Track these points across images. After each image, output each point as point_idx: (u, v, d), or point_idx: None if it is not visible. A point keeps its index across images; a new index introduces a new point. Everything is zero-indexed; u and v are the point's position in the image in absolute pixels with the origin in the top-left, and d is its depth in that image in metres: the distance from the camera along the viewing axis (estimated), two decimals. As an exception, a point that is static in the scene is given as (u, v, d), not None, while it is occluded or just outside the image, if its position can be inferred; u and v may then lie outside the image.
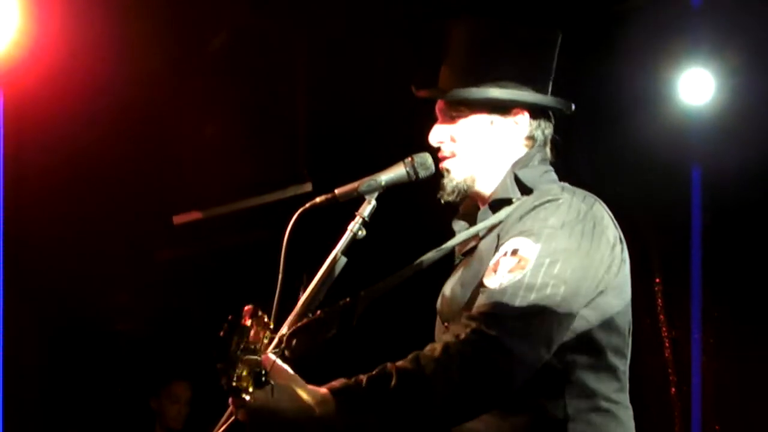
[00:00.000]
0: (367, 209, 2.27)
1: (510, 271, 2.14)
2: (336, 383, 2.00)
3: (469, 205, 2.50)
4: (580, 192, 2.32)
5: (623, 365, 2.31)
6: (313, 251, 2.39)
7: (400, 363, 2.02)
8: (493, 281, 2.15)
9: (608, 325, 2.25)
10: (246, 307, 1.92)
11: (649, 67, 4.83)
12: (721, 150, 4.78)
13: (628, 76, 4.76)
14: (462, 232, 2.43)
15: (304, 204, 2.28)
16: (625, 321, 2.31)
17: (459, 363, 2.01)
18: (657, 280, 5.21)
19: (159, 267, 5.70)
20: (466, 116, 2.41)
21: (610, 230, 2.28)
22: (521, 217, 2.25)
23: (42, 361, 5.41)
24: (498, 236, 2.29)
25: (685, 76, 4.84)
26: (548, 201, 2.25)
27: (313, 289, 2.16)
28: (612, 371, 2.27)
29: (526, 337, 2.07)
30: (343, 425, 1.94)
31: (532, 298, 2.10)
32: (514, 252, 2.17)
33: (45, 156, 4.92)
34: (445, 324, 2.40)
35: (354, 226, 2.25)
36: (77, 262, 5.31)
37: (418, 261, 2.36)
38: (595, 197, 2.33)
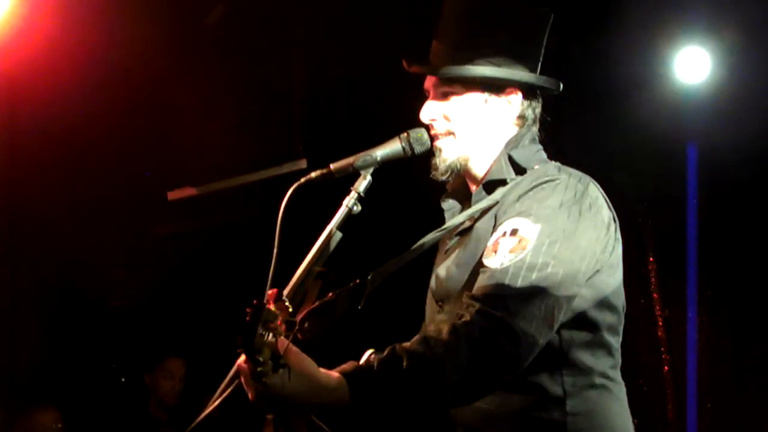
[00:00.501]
0: (362, 184, 2.26)
1: (511, 251, 2.14)
2: (347, 366, 2.00)
3: (457, 182, 2.50)
4: (576, 172, 2.33)
5: (617, 342, 2.33)
6: (309, 226, 2.39)
7: (409, 345, 2.02)
8: (494, 261, 2.16)
9: (603, 303, 2.27)
10: (269, 291, 1.91)
11: (646, 46, 4.82)
12: (717, 128, 4.78)
13: (624, 54, 4.76)
14: (461, 213, 2.42)
15: (299, 180, 2.27)
16: (619, 300, 2.33)
17: (467, 345, 2.01)
18: (651, 259, 5.22)
19: (154, 243, 5.69)
20: (459, 94, 2.40)
21: (605, 210, 2.30)
22: (519, 197, 2.26)
23: (37, 337, 5.41)
24: (495, 216, 2.29)
25: (681, 54, 4.84)
26: (546, 181, 2.26)
27: (307, 264, 2.16)
28: (606, 348, 2.29)
29: (530, 318, 2.09)
30: (356, 408, 1.95)
31: (534, 277, 2.11)
32: (514, 232, 2.17)
33: (39, 132, 4.90)
34: (439, 303, 2.40)
35: (349, 201, 2.23)
36: (72, 238, 5.29)
37: (421, 242, 2.35)
38: (590, 178, 2.34)
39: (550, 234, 2.16)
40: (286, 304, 1.85)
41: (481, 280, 2.15)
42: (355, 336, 2.38)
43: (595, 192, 2.30)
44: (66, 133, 4.97)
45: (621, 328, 2.35)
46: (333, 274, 2.21)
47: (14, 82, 4.72)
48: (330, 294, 2.22)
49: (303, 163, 5.06)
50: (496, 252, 2.17)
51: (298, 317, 2.09)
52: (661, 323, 5.20)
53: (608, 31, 4.64)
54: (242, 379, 1.93)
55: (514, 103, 2.42)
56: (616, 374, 2.33)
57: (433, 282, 2.45)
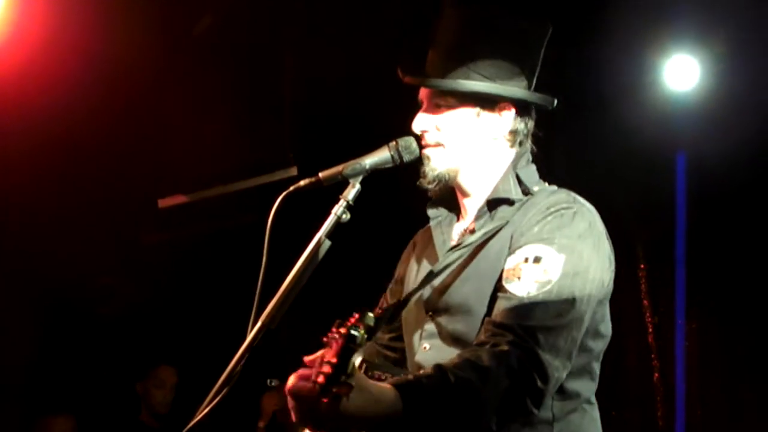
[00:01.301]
0: (351, 192, 2.27)
1: (536, 281, 2.17)
2: (397, 379, 2.02)
3: (443, 191, 2.51)
4: (585, 202, 2.36)
5: (598, 368, 2.39)
6: (298, 234, 2.39)
7: (452, 365, 2.03)
8: (519, 288, 2.18)
9: (598, 332, 2.33)
10: (355, 314, 1.83)
11: (635, 54, 4.84)
12: (706, 136, 4.80)
13: (613, 62, 4.77)
14: (477, 233, 2.40)
15: (289, 188, 2.27)
16: (608, 328, 2.38)
17: (507, 375, 2.04)
18: (641, 266, 5.23)
19: (145, 251, 5.69)
20: (452, 107, 2.41)
21: (609, 242, 2.35)
22: (538, 222, 2.27)
23: (27, 345, 5.39)
24: (511, 237, 2.30)
25: (670, 62, 4.85)
26: (563, 208, 2.29)
27: (296, 272, 2.16)
28: (591, 375, 2.35)
29: (558, 352, 2.13)
30: (407, 420, 1.95)
31: (562, 310, 2.15)
32: (537, 260, 2.20)
33: (29, 139, 4.89)
34: (430, 313, 2.40)
35: (338, 210, 2.24)
36: (62, 246, 5.28)
37: (434, 268, 2.40)
38: (595, 210, 2.36)
39: (573, 265, 2.19)
40: (371, 325, 1.80)
41: (508, 308, 2.17)
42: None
43: (600, 225, 2.34)
44: (56, 140, 4.97)
45: (601, 355, 2.40)
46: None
47: (4, 87, 4.71)
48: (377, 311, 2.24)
49: (294, 171, 5.07)
50: (519, 278, 2.19)
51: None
52: (651, 330, 5.21)
53: (597, 39, 4.66)
54: (294, 401, 1.90)
55: (506, 118, 2.43)
56: (594, 398, 2.38)
57: (428, 294, 2.43)
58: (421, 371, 2.07)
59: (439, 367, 2.03)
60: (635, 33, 4.70)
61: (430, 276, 2.45)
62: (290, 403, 1.94)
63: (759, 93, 4.58)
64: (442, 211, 2.54)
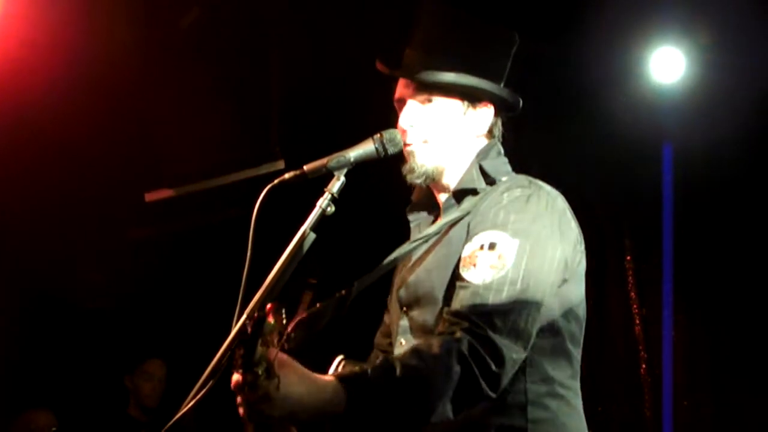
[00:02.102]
0: (336, 185, 2.27)
1: (492, 267, 2.18)
2: (344, 372, 2.03)
3: (421, 193, 2.54)
4: (545, 185, 2.38)
5: (577, 353, 2.39)
6: (283, 228, 2.39)
7: (401, 356, 2.05)
8: (474, 276, 2.19)
9: (569, 313, 2.34)
10: (269, 305, 1.89)
11: (620, 46, 4.85)
12: (692, 127, 4.82)
13: (599, 54, 4.78)
14: (433, 225, 2.43)
15: (274, 181, 2.27)
16: (582, 311, 2.39)
17: (458, 361, 2.05)
18: (628, 258, 5.24)
19: (132, 245, 5.67)
20: (440, 102, 2.42)
21: (573, 223, 2.36)
22: (492, 209, 2.29)
23: (12, 340, 5.38)
24: (468, 226, 2.32)
25: (656, 54, 4.86)
26: (518, 194, 2.30)
27: (281, 264, 2.16)
28: (567, 358, 2.35)
29: (514, 336, 2.14)
30: (351, 413, 1.96)
31: (517, 294, 2.16)
32: (492, 246, 2.21)
33: (14, 134, 4.87)
34: (404, 309, 2.42)
35: (323, 203, 2.25)
36: (48, 241, 5.27)
37: (394, 254, 2.39)
38: (557, 191, 2.38)
39: (527, 249, 2.21)
40: (283, 316, 1.86)
41: (464, 296, 2.18)
42: (326, 341, 2.39)
43: (562, 205, 2.36)
44: (42, 136, 4.95)
45: (582, 339, 2.40)
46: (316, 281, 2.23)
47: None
48: (318, 305, 2.24)
49: (281, 164, 5.06)
50: (475, 266, 2.20)
51: (289, 328, 2.10)
52: (638, 321, 5.22)
53: (583, 31, 4.66)
54: (238, 394, 1.92)
55: (486, 116, 2.47)
56: (575, 384, 2.38)
57: (401, 290, 2.45)
58: (368, 366, 2.07)
59: (386, 359, 2.04)
60: (621, 25, 4.71)
61: (403, 272, 2.47)
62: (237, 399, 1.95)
63: (745, 84, 4.59)
64: (421, 214, 2.56)
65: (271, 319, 1.82)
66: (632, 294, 5.24)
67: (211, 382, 2.08)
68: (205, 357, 2.14)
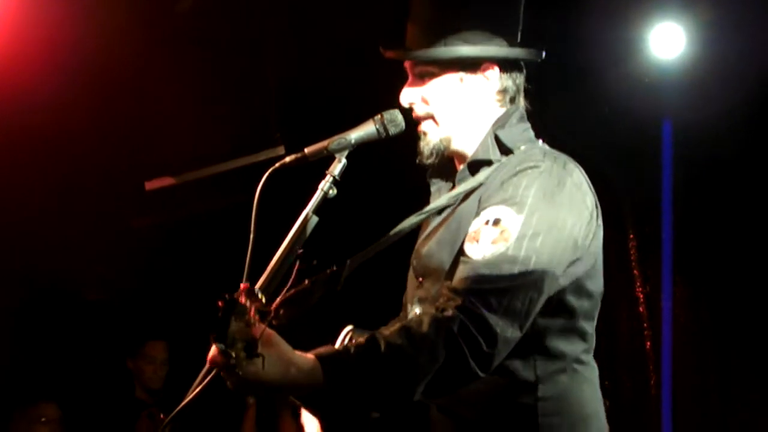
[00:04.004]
0: (337, 168, 2.26)
1: (493, 243, 2.15)
2: (324, 350, 2.02)
3: (443, 159, 2.49)
4: (561, 157, 2.32)
5: (591, 328, 2.35)
6: (286, 211, 2.38)
7: (388, 334, 2.03)
8: (475, 251, 2.16)
9: (580, 290, 2.28)
10: (242, 285, 1.92)
11: (620, 22, 4.82)
12: (692, 104, 4.80)
13: (599, 30, 4.75)
14: (443, 196, 2.41)
15: (275, 165, 2.26)
16: (597, 285, 2.34)
17: (445, 341, 2.03)
18: (630, 236, 5.23)
19: (133, 234, 5.66)
20: (435, 76, 2.39)
21: (588, 197, 2.30)
22: (503, 183, 2.25)
23: (16, 332, 5.38)
24: (479, 200, 2.29)
25: (655, 30, 4.84)
26: (530, 167, 2.25)
27: (284, 248, 2.16)
28: (580, 334, 2.31)
29: (509, 315, 2.10)
30: (329, 392, 1.96)
31: (516, 271, 2.12)
32: (497, 222, 2.17)
33: (11, 124, 4.85)
34: (420, 279, 2.41)
35: (325, 185, 2.24)
36: (49, 232, 5.26)
37: (399, 227, 2.36)
38: (575, 162, 2.33)
39: (533, 225, 2.16)
40: (259, 296, 1.88)
41: (463, 271, 2.16)
42: (335, 313, 2.38)
43: (579, 178, 2.30)
44: (40, 124, 4.93)
45: (596, 313, 2.36)
46: (311, 258, 2.21)
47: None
48: (306, 281, 2.22)
49: (281, 150, 5.05)
50: (477, 241, 2.17)
51: (274, 305, 2.09)
52: (642, 299, 5.22)
53: (582, 7, 4.64)
54: (218, 369, 1.93)
55: (491, 78, 2.40)
56: (589, 358, 2.36)
57: (414, 259, 2.45)
58: (355, 336, 2.08)
59: (373, 336, 2.02)
60: (620, 1, 4.68)
61: (419, 242, 2.46)
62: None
63: (745, 60, 4.57)
64: (441, 180, 2.53)
65: (243, 299, 1.83)
66: (635, 272, 5.25)
67: (215, 370, 2.06)
68: (209, 338, 2.14)
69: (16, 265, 5.31)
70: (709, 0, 4.72)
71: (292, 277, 2.14)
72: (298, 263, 2.15)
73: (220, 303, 1.81)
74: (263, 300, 1.90)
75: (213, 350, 1.89)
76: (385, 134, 2.34)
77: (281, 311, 2.15)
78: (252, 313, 1.83)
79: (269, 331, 1.91)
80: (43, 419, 4.99)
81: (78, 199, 5.27)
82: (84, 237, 5.35)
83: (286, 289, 2.15)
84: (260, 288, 2.10)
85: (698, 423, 5.09)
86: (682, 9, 4.78)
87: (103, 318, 5.74)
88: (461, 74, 2.39)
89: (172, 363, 5.52)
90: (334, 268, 2.25)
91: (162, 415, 5.09)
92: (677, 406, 5.04)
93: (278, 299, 2.13)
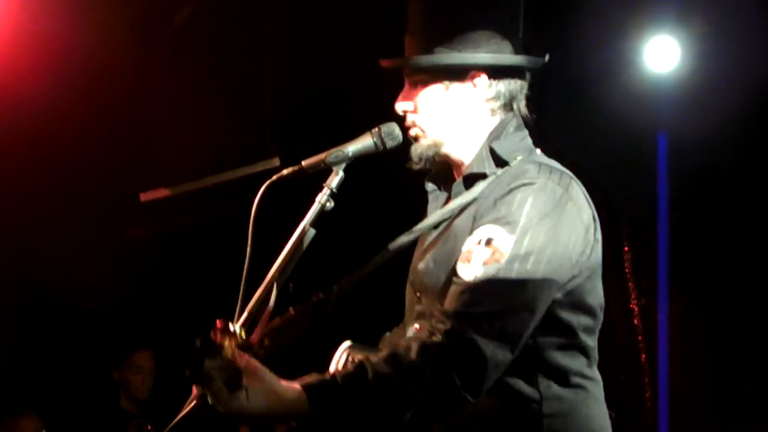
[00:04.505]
0: (334, 180, 2.24)
1: (485, 264, 2.12)
2: (310, 379, 2.02)
3: (440, 166, 2.47)
4: (557, 171, 2.28)
5: (593, 342, 2.32)
6: (282, 224, 2.38)
7: (376, 361, 2.02)
8: (467, 272, 2.14)
9: (579, 306, 2.26)
10: (217, 322, 1.92)
11: (615, 35, 4.84)
12: (687, 117, 4.81)
13: (594, 43, 4.77)
14: (437, 212, 2.39)
15: (272, 177, 2.26)
16: (596, 300, 2.31)
17: (433, 368, 2.02)
18: (625, 249, 5.23)
19: (128, 245, 5.65)
20: (424, 84, 2.38)
21: (585, 212, 2.26)
22: (495, 201, 2.22)
23: (8, 343, 5.35)
24: (474, 217, 2.26)
25: (650, 43, 4.86)
26: (523, 185, 2.21)
27: (281, 262, 2.15)
28: (582, 349, 2.28)
29: (500, 339, 2.08)
30: (315, 421, 1.98)
31: (506, 294, 2.10)
32: (488, 242, 2.15)
33: (7, 133, 4.84)
34: (418, 294, 2.39)
35: (322, 198, 2.22)
36: (44, 241, 5.24)
37: (390, 247, 2.35)
38: (571, 175, 2.30)
39: (524, 246, 2.13)
40: (235, 331, 1.89)
41: (454, 293, 2.14)
42: (331, 325, 2.38)
43: (576, 192, 2.26)
44: (36, 135, 4.92)
45: (598, 326, 2.33)
46: (291, 285, 2.21)
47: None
48: (290, 310, 2.22)
49: (276, 162, 5.05)
50: (469, 261, 2.15)
51: (257, 337, 2.09)
52: (637, 311, 5.22)
53: (577, 20, 4.65)
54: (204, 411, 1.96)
55: (479, 86, 2.37)
56: (593, 372, 2.32)
57: (411, 274, 2.44)
58: (341, 372, 2.06)
59: (361, 364, 2.02)
60: (615, 14, 4.70)
61: (416, 256, 2.44)
62: None
63: (740, 73, 4.59)
64: (438, 187, 2.51)
65: (218, 337, 1.86)
66: (630, 284, 5.24)
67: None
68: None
69: (11, 275, 5.29)
70: (703, 13, 4.74)
71: (271, 304, 2.13)
72: (275, 289, 2.14)
73: (196, 342, 1.85)
74: (242, 334, 1.91)
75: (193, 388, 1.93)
76: (382, 147, 2.32)
77: (266, 342, 2.15)
78: (231, 348, 1.85)
79: (253, 362, 1.92)
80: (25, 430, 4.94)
81: (72, 209, 5.25)
82: (77, 246, 5.33)
83: (267, 318, 2.12)
84: (255, 304, 2.09)
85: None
86: (677, 22, 4.80)
87: (89, 328, 5.71)
88: (447, 82, 2.36)
89: (158, 373, 5.49)
90: (321, 295, 2.25)
91: (150, 427, 5.06)
92: (673, 420, 5.04)
93: (260, 330, 2.11)
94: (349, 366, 2.06)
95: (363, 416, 2.00)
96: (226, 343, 1.86)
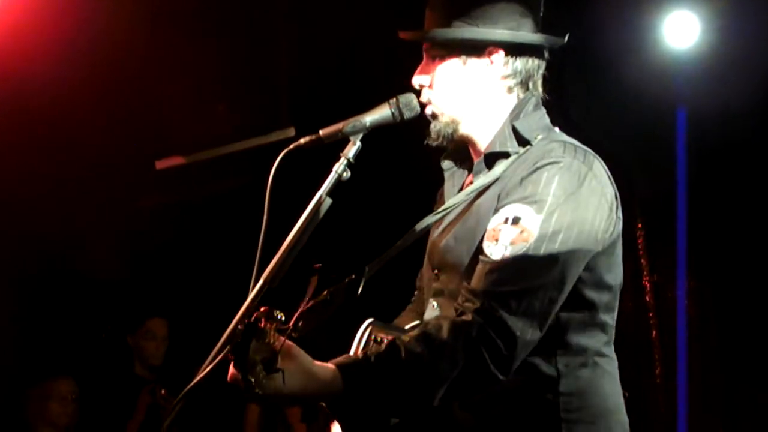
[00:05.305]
0: (351, 150, 2.23)
1: (512, 243, 2.14)
2: (344, 359, 2.06)
3: (456, 144, 2.47)
4: (581, 150, 2.29)
5: (611, 320, 2.34)
6: (299, 193, 2.38)
7: (408, 341, 2.05)
8: (495, 251, 2.15)
9: (600, 283, 2.27)
10: (261, 308, 1.95)
11: (634, 11, 4.81)
12: (706, 92, 4.78)
13: (613, 19, 4.74)
14: (461, 192, 2.39)
15: (288, 147, 2.25)
16: (617, 278, 2.33)
17: (464, 346, 2.05)
18: (639, 225, 5.22)
19: (139, 213, 5.67)
20: (442, 59, 2.38)
21: (609, 190, 2.28)
22: (522, 180, 2.23)
23: (23, 311, 5.39)
24: (498, 196, 2.27)
25: (670, 18, 4.82)
26: (549, 163, 2.22)
27: (297, 231, 2.15)
28: (601, 327, 2.30)
29: (529, 317, 2.10)
30: (350, 402, 2.01)
31: (537, 273, 2.12)
32: (516, 221, 2.16)
33: (19, 103, 4.84)
34: (436, 271, 2.40)
35: (339, 168, 2.21)
36: (58, 211, 5.26)
37: (416, 227, 2.37)
38: (594, 154, 2.31)
39: (552, 225, 2.15)
40: (278, 315, 1.92)
41: (481, 272, 2.16)
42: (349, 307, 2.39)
43: (599, 171, 2.27)
44: (48, 105, 4.92)
45: (616, 304, 2.35)
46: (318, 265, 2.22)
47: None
48: (324, 292, 2.24)
49: (291, 131, 5.05)
50: (497, 240, 2.16)
51: (293, 319, 2.11)
52: (649, 288, 5.22)
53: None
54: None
55: (496, 62, 2.37)
56: (609, 350, 2.34)
57: (429, 248, 2.45)
58: (373, 353, 2.09)
59: (393, 343, 2.05)
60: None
61: (435, 234, 2.44)
62: None
63: (760, 48, 4.55)
64: (455, 165, 2.52)
65: (262, 324, 1.88)
66: (644, 261, 5.24)
67: (227, 349, 2.06)
68: (210, 315, 2.15)
69: (24, 245, 5.31)
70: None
71: (311, 289, 2.15)
72: (317, 276, 2.16)
73: (240, 327, 1.87)
74: (282, 318, 1.94)
75: (232, 370, 1.95)
76: (400, 118, 2.30)
77: (300, 324, 2.16)
78: (272, 333, 1.88)
79: (289, 343, 1.96)
80: (59, 395, 5.00)
81: (89, 178, 5.27)
82: (92, 216, 5.35)
83: (305, 301, 2.15)
84: (270, 272, 2.10)
85: (703, 415, 5.09)
86: (697, -3, 4.77)
87: (104, 296, 5.75)
88: (464, 57, 2.36)
89: (171, 340, 5.54)
90: (353, 276, 2.27)
91: (163, 391, 5.13)
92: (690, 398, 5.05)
93: (297, 311, 2.14)
94: (373, 345, 2.12)
95: (396, 395, 2.04)
96: (270, 329, 1.88)
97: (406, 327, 2.41)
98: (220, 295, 2.15)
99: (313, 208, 2.17)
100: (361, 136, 2.25)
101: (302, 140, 2.26)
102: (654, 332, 5.21)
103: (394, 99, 2.32)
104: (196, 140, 5.29)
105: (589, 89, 4.96)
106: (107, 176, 5.32)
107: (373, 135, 2.29)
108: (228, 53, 5.19)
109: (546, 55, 2.43)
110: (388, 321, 2.53)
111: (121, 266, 5.67)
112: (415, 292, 2.68)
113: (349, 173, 2.21)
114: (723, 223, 5.03)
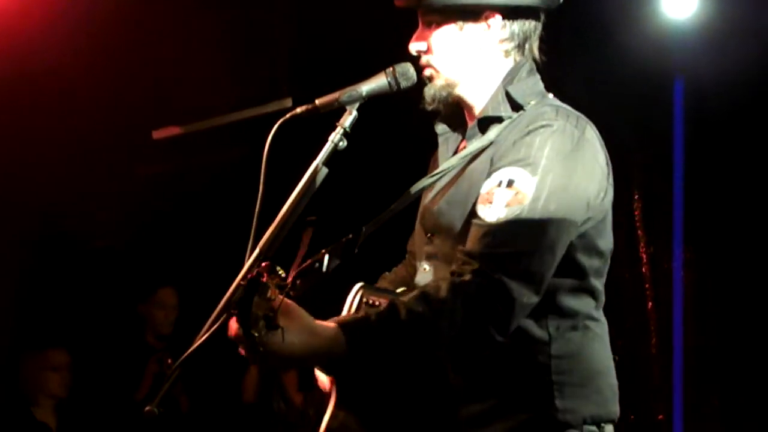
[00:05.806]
0: (348, 120, 2.24)
1: (507, 205, 2.15)
2: (344, 318, 2.07)
3: (450, 108, 2.48)
4: (573, 114, 2.30)
5: (601, 285, 2.36)
6: (295, 162, 2.38)
7: (407, 300, 2.06)
8: (489, 213, 2.16)
9: (591, 249, 2.29)
10: (263, 264, 1.95)
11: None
12: (704, 62, 4.78)
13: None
14: (455, 156, 2.40)
15: (284, 116, 2.26)
16: (607, 244, 2.34)
17: (463, 306, 2.06)
18: (635, 196, 5.22)
19: (143, 181, 5.68)
20: (438, 24, 2.38)
21: (600, 155, 2.29)
22: (515, 143, 2.24)
23: (25, 280, 5.41)
24: (491, 160, 2.27)
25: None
26: (542, 126, 2.23)
27: (293, 200, 2.15)
28: (591, 292, 2.32)
29: (526, 279, 2.11)
30: (352, 359, 2.01)
31: (531, 235, 2.13)
32: (510, 183, 2.17)
33: (17, 73, 4.83)
34: (429, 235, 2.41)
35: (335, 137, 2.22)
36: (57, 179, 5.26)
37: (411, 190, 2.38)
38: (587, 119, 2.32)
39: (547, 187, 2.16)
40: (279, 271, 1.92)
41: (477, 234, 2.16)
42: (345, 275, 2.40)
43: (591, 135, 2.28)
44: (46, 75, 4.91)
45: (606, 270, 2.37)
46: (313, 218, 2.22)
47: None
48: (322, 251, 2.24)
49: (288, 102, 5.04)
50: (491, 203, 2.17)
51: (290, 278, 2.12)
52: (645, 260, 5.22)
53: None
54: (239, 344, 1.98)
55: (493, 26, 2.37)
56: (599, 314, 2.36)
57: (421, 212, 2.46)
58: (374, 311, 2.10)
59: (392, 303, 2.06)
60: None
61: (428, 198, 2.45)
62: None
63: (758, 18, 4.54)
64: (449, 129, 2.52)
65: (265, 279, 1.87)
66: (639, 232, 5.24)
67: (224, 317, 2.07)
68: (219, 283, 2.16)
69: (24, 213, 5.31)
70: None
71: (304, 246, 2.15)
72: (312, 229, 2.16)
73: (243, 282, 1.85)
74: (282, 274, 1.94)
75: (234, 327, 1.94)
76: (396, 87, 2.31)
77: (298, 282, 2.17)
78: (273, 288, 1.87)
79: (288, 302, 1.96)
80: (53, 365, 5.04)
81: (87, 147, 5.26)
82: (91, 185, 5.35)
83: (300, 259, 2.16)
84: (266, 242, 2.11)
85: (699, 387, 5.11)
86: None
87: (114, 265, 5.78)
88: (461, 23, 2.36)
89: (180, 309, 5.58)
90: (350, 236, 2.26)
91: (170, 360, 5.18)
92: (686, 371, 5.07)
93: (293, 270, 2.15)
94: (365, 308, 2.12)
95: (397, 353, 2.05)
96: (271, 284, 1.88)
97: (398, 291, 2.43)
98: (228, 265, 2.15)
99: (309, 177, 2.18)
100: (357, 105, 2.26)
101: (298, 109, 2.26)
102: (650, 303, 5.22)
103: (391, 68, 2.32)
104: (194, 109, 5.28)
105: (586, 57, 4.94)
106: (107, 143, 5.32)
107: (369, 102, 2.29)
108: (227, 23, 5.17)
109: (542, 17, 2.43)
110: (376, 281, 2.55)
111: (121, 234, 5.69)
112: (406, 256, 2.69)
113: (345, 142, 2.22)
114: (720, 194, 5.03)
